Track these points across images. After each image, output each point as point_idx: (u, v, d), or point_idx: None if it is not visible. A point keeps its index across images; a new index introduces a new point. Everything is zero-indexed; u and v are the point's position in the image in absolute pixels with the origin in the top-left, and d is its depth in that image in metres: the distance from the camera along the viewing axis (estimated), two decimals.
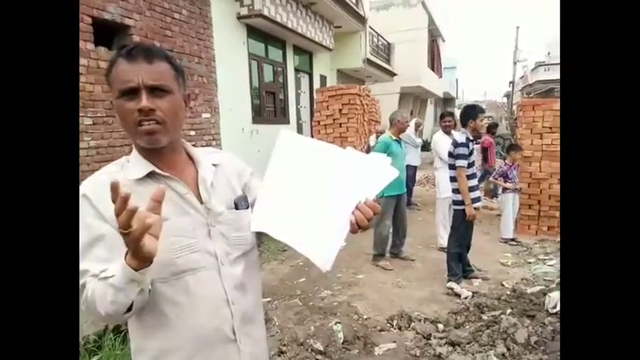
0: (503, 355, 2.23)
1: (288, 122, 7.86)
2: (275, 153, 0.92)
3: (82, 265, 0.77)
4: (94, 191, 0.81)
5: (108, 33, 3.99)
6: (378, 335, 2.84)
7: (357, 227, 0.82)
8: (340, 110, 6.38)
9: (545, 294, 2.92)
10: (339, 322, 2.81)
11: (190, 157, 0.94)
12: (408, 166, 6.87)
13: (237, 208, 0.93)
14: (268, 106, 7.32)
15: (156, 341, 0.86)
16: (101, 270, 0.77)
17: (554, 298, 2.52)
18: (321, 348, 2.51)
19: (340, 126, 6.24)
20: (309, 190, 0.87)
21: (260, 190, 0.94)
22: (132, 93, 0.80)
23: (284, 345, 2.51)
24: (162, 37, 4.55)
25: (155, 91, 0.81)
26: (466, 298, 3.36)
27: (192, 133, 5.13)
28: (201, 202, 0.88)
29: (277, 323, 2.85)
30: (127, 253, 0.70)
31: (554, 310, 2.44)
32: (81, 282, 0.77)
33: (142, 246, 0.66)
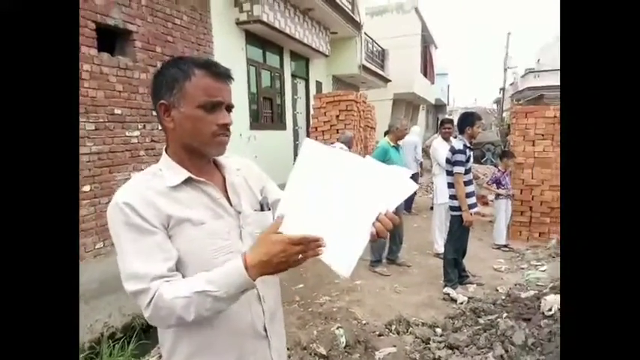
0: (501, 356, 2.31)
1: (284, 128, 7.91)
2: (299, 160, 0.95)
3: (140, 269, 0.80)
4: (136, 200, 0.84)
5: (111, 38, 4.01)
6: (377, 340, 2.90)
7: (377, 237, 0.88)
8: (337, 116, 6.45)
9: (538, 298, 3.01)
10: (340, 327, 2.86)
11: (215, 163, 1.00)
12: None
13: (262, 209, 1.00)
14: (265, 112, 7.37)
15: (191, 339, 0.89)
16: (169, 272, 0.81)
17: (549, 301, 2.61)
18: (324, 352, 2.56)
19: (337, 132, 6.30)
20: (331, 198, 0.90)
21: (284, 193, 0.97)
22: (212, 107, 0.88)
23: (288, 349, 2.56)
24: (164, 42, 4.58)
25: (228, 108, 0.92)
26: (462, 303, 3.45)
27: None
28: (231, 205, 0.94)
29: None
30: (245, 266, 0.79)
31: (550, 313, 2.53)
32: (140, 287, 0.79)
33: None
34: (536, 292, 3.41)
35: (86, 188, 3.60)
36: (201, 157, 0.93)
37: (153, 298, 0.77)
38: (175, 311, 0.77)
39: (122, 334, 2.48)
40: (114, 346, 2.37)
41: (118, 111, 3.90)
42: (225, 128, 0.91)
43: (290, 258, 0.78)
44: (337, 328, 2.83)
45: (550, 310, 2.59)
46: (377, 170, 0.93)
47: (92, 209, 3.63)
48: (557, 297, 2.69)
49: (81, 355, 2.24)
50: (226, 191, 0.95)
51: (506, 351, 2.37)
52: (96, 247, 3.66)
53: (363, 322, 3.14)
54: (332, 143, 5.15)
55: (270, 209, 1.01)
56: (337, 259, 0.88)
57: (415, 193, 7.59)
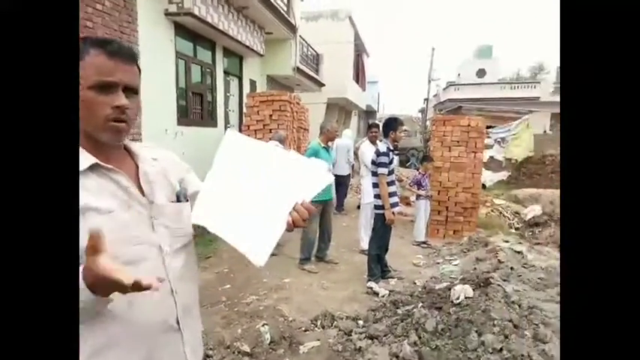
0: (415, 343, 2.50)
1: (215, 125, 7.69)
2: (220, 150, 0.95)
3: None
4: None
5: None
6: (303, 335, 2.95)
7: (293, 226, 0.90)
8: (270, 116, 6.45)
9: (450, 289, 3.30)
10: (266, 324, 2.87)
11: (128, 151, 0.96)
12: (337, 175, 7.29)
13: (178, 200, 0.97)
14: (195, 108, 7.09)
15: (95, 334, 0.84)
16: None
17: (457, 290, 2.88)
18: (248, 350, 2.55)
19: (270, 132, 6.30)
20: (250, 188, 0.92)
21: (203, 184, 0.96)
22: (107, 88, 0.82)
23: (210, 349, 2.50)
24: (83, 27, 4.21)
25: (127, 91, 0.85)
26: (383, 296, 3.65)
27: None
28: (143, 195, 0.90)
29: (203, 328, 2.81)
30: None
31: (458, 301, 2.79)
32: None
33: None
34: (449, 283, 3.73)
35: None
36: (106, 144, 0.88)
37: None
38: None
39: None
40: None
41: None
42: (120, 112, 0.84)
43: (100, 289, 0.70)
44: (262, 326, 2.83)
45: (458, 298, 2.86)
46: (295, 162, 0.95)
47: None
48: (465, 286, 2.98)
49: None
50: (139, 181, 0.92)
51: (420, 337, 2.57)
52: None
53: (290, 318, 3.18)
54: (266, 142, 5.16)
55: (187, 200, 0.98)
56: (252, 247, 0.88)
57: (346, 193, 7.90)
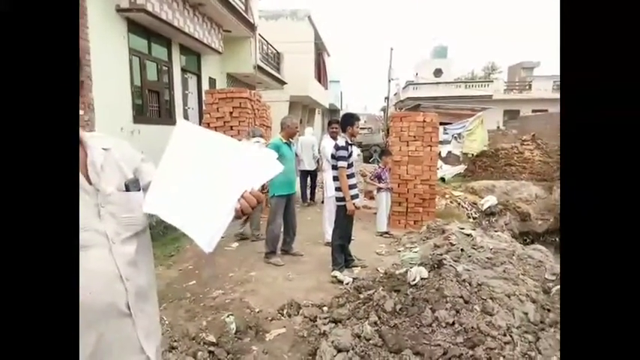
0: (375, 323, 2.62)
1: (173, 123, 7.37)
2: (172, 140, 0.98)
3: None
4: None
5: None
6: (269, 324, 3.00)
7: (241, 214, 0.94)
8: (231, 113, 6.41)
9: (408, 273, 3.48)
10: (231, 315, 2.90)
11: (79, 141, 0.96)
12: (305, 171, 7.50)
13: (127, 190, 0.97)
14: (152, 106, 6.91)
15: None
16: None
17: (413, 272, 3.04)
18: (214, 340, 2.57)
19: (231, 129, 6.27)
20: (200, 177, 0.94)
21: (155, 174, 0.99)
22: None
23: (175, 341, 2.50)
24: None
25: None
26: (347, 283, 3.77)
27: None
28: (90, 184, 0.92)
29: (167, 322, 2.80)
30: None
31: (414, 283, 2.95)
32: None
33: None
34: (408, 268, 3.92)
35: None
36: None
37: None
38: None
39: None
40: None
41: None
42: None
43: None
44: (227, 316, 2.86)
45: (414, 279, 3.03)
46: (244, 151, 0.99)
47: None
48: (420, 268, 3.15)
49: None
50: (87, 169, 0.93)
51: (379, 317, 2.70)
52: None
53: (256, 309, 3.22)
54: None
55: (139, 190, 0.99)
56: (201, 233, 0.92)
57: (314, 186, 8.05)
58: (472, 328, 2.44)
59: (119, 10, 5.75)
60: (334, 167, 4.04)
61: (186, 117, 8.18)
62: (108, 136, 1.06)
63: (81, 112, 4.90)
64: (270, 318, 3.11)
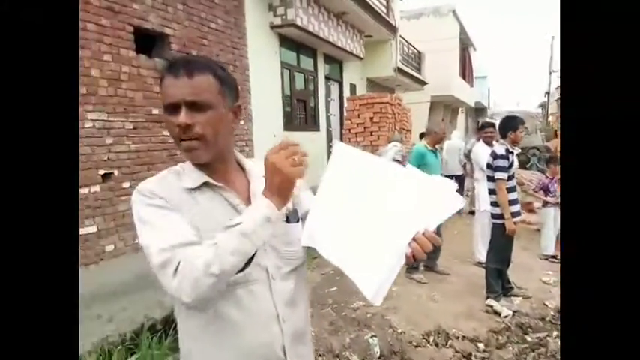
0: None
1: (318, 129, 7.88)
2: (330, 166, 0.87)
3: (163, 244, 0.75)
4: (158, 188, 0.82)
5: (148, 42, 4.12)
6: (414, 351, 2.72)
7: (413, 260, 0.76)
8: (372, 119, 6.33)
9: None
10: (374, 336, 2.72)
11: (241, 167, 0.94)
12: (449, 176, 6.81)
13: (288, 221, 0.89)
14: (299, 114, 7.37)
15: (204, 350, 0.85)
16: (193, 237, 0.76)
17: None
18: None
19: (371, 134, 6.18)
20: (364, 209, 0.80)
21: (313, 203, 0.89)
22: (174, 108, 0.80)
23: (320, 355, 2.46)
24: (199, 46, 4.66)
25: (195, 105, 0.80)
26: (506, 316, 3.19)
27: None
28: None
29: (313, 332, 2.79)
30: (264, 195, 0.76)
31: None
32: (162, 259, 0.74)
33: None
34: None
35: (126, 185, 3.72)
36: (216, 163, 0.87)
37: (178, 265, 0.73)
38: (199, 270, 0.71)
39: (162, 326, 2.55)
40: (152, 338, 2.42)
41: (155, 111, 3.99)
42: (182, 130, 0.80)
43: (283, 167, 0.74)
44: (371, 337, 2.69)
45: None
46: (417, 181, 0.80)
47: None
48: None
49: (122, 345, 2.32)
50: (249, 198, 0.88)
51: None
52: (135, 240, 3.74)
53: (399, 330, 2.98)
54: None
55: (298, 221, 0.91)
56: (366, 279, 0.77)
57: (462, 193, 7.36)
58: None
59: (272, 27, 6.26)
60: (490, 179, 3.47)
61: (329, 123, 8.48)
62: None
63: (241, 122, 5.48)
64: (415, 343, 2.82)
